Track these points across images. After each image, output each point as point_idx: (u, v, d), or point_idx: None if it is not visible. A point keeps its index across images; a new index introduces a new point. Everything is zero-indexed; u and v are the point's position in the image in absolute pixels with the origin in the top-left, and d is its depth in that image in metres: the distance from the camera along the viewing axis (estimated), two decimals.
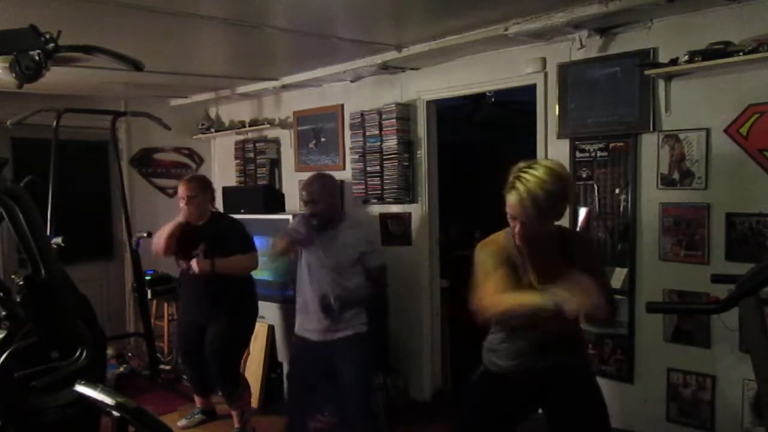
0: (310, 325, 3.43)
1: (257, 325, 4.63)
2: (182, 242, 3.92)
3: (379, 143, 4.59)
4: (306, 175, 5.20)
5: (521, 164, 2.20)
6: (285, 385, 3.73)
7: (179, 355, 4.89)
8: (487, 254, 2.33)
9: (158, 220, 4.31)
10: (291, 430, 3.60)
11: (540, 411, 2.56)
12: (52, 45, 1.68)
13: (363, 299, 3.40)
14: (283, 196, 5.25)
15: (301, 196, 3.48)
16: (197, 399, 4.38)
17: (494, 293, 2.19)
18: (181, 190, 3.93)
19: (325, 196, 3.38)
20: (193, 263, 3.80)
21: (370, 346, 3.44)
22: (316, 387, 3.50)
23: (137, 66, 1.89)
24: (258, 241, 4.04)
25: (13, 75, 1.68)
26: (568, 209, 2.36)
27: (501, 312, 2.22)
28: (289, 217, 4.70)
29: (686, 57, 3.07)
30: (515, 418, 2.50)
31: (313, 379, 3.49)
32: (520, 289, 2.23)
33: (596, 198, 3.58)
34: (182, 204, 3.92)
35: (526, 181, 2.13)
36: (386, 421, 4.24)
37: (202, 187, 3.95)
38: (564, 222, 3.67)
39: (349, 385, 3.36)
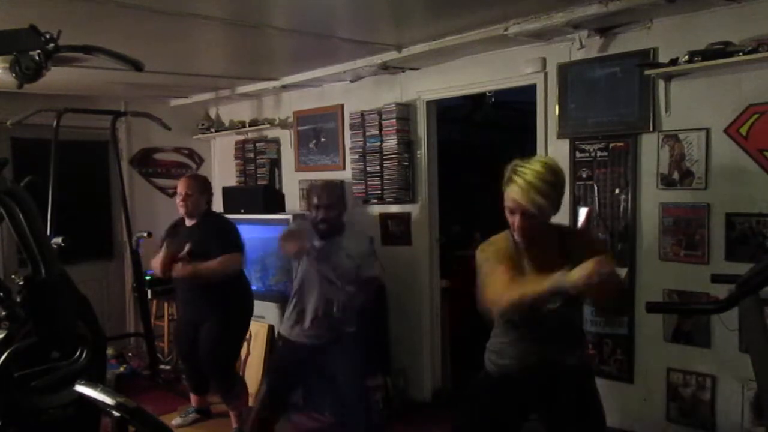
0: (303, 329, 3.40)
1: (257, 325, 4.65)
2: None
3: (379, 143, 4.59)
4: (306, 176, 5.28)
5: (516, 161, 2.25)
6: (264, 385, 3.61)
7: (176, 353, 4.90)
8: (488, 254, 2.33)
9: (158, 220, 4.32)
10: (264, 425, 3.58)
11: (536, 415, 2.56)
12: (52, 45, 1.68)
13: (357, 306, 3.38)
14: (283, 196, 5.25)
15: (312, 201, 3.38)
16: (192, 397, 4.39)
17: (500, 288, 2.16)
18: (180, 187, 3.94)
19: (336, 203, 3.35)
20: (175, 268, 3.80)
21: (361, 346, 3.41)
22: (297, 389, 3.50)
23: (137, 66, 1.89)
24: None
25: (13, 75, 1.68)
26: (563, 206, 2.37)
27: (507, 305, 2.16)
28: (289, 217, 4.71)
29: (686, 57, 3.07)
30: (515, 421, 2.50)
31: (297, 381, 3.49)
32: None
33: (596, 198, 3.58)
34: (179, 201, 3.94)
35: (524, 173, 2.18)
36: (385, 420, 4.25)
37: (200, 187, 3.95)
38: (564, 222, 3.69)
39: (344, 385, 3.37)
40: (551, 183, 2.18)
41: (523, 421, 2.52)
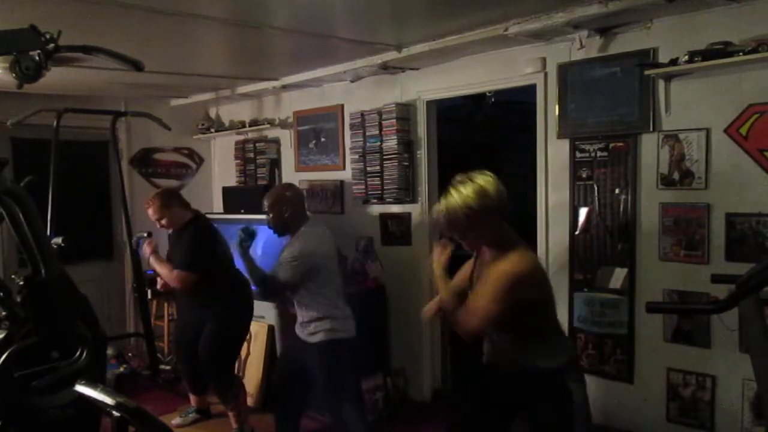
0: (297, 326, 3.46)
1: (257, 326, 4.65)
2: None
3: (379, 143, 4.59)
4: (306, 175, 5.29)
5: (457, 177, 2.31)
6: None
7: (175, 353, 4.90)
8: None
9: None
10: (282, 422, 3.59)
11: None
12: (52, 45, 1.69)
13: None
14: None
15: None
16: (192, 398, 4.39)
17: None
18: (150, 215, 4.00)
19: (273, 206, 3.35)
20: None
21: (337, 352, 3.31)
22: (298, 381, 3.49)
23: (137, 66, 1.90)
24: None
25: (13, 75, 1.68)
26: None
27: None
28: None
29: (686, 57, 3.07)
30: (500, 411, 2.51)
31: (294, 374, 3.49)
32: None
33: (596, 198, 3.58)
34: (158, 226, 4.04)
35: (450, 195, 2.29)
36: (385, 420, 4.25)
37: (164, 205, 3.95)
38: (564, 222, 3.70)
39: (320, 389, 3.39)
40: (471, 208, 2.24)
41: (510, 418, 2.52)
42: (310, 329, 3.32)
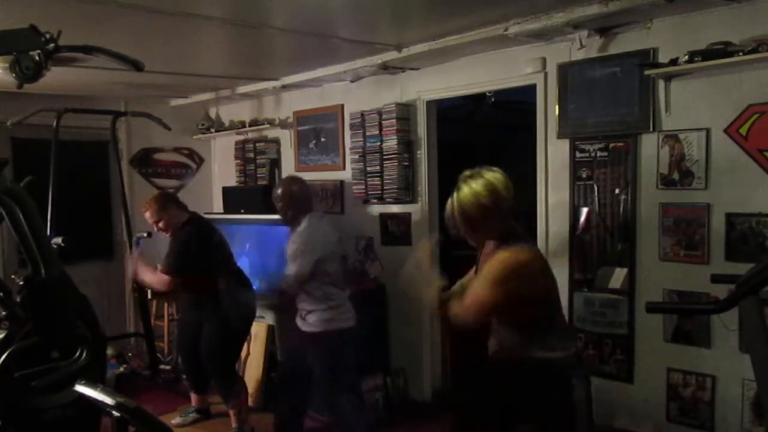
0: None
1: (257, 326, 4.65)
2: None
3: (379, 143, 4.58)
4: (306, 175, 5.22)
5: (465, 172, 2.37)
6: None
7: (177, 352, 4.90)
8: None
9: None
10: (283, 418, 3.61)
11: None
12: (52, 45, 1.69)
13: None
14: None
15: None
16: (193, 397, 4.40)
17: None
18: (148, 219, 4.00)
19: (281, 198, 3.54)
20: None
21: (333, 345, 3.41)
22: (303, 373, 3.51)
23: (137, 66, 1.90)
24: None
25: (13, 75, 1.68)
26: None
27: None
28: None
29: (686, 57, 3.07)
30: (501, 411, 2.51)
31: (299, 364, 3.51)
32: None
33: (596, 198, 3.57)
34: (156, 230, 4.05)
35: (461, 190, 2.33)
36: (385, 420, 4.25)
37: (161, 208, 3.95)
38: (564, 222, 3.70)
39: (318, 381, 3.45)
40: (483, 205, 2.29)
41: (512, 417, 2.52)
42: (309, 319, 3.43)
